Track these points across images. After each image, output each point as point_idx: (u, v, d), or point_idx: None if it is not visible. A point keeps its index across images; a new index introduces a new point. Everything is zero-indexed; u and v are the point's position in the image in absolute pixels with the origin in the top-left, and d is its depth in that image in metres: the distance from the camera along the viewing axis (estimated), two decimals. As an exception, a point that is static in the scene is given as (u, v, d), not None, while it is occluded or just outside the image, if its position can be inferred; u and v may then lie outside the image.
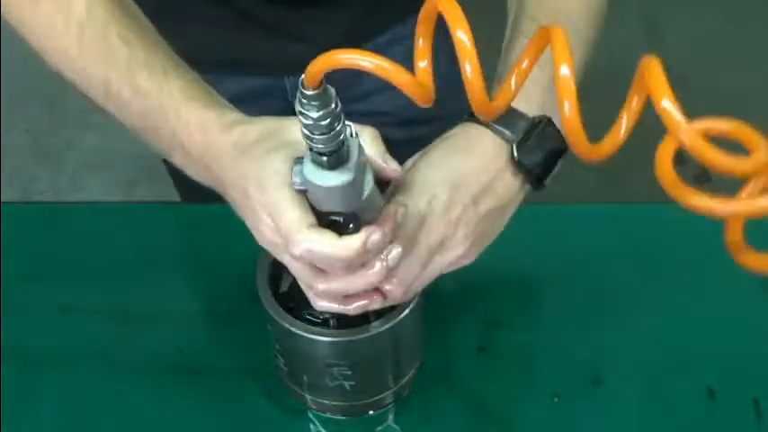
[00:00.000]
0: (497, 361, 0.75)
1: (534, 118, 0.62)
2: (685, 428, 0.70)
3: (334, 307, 0.59)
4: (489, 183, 0.62)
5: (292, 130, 0.55)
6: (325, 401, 0.70)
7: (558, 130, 0.63)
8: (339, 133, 0.48)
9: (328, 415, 0.71)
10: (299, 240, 0.53)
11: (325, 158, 0.49)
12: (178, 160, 0.62)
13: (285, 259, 0.58)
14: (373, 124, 0.58)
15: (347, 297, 0.59)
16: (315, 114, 0.46)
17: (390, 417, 0.71)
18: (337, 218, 0.53)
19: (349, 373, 0.66)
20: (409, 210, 0.58)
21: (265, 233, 0.57)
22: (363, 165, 0.53)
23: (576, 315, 0.78)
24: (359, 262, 0.55)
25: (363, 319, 0.64)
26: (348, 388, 0.68)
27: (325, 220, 0.54)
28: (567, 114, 0.35)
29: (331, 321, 0.64)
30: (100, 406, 0.73)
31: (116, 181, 1.97)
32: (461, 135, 0.63)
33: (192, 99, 0.60)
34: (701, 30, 2.24)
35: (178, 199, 1.03)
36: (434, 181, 0.60)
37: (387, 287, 0.59)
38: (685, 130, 0.31)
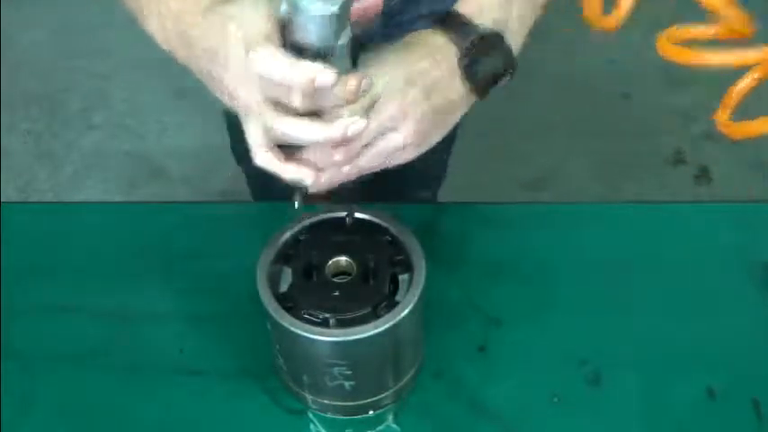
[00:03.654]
0: (497, 361, 0.75)
1: (485, 30, 0.66)
2: (685, 428, 0.70)
3: (275, 163, 0.61)
4: (440, 79, 0.65)
5: None
6: (326, 401, 0.70)
7: (508, 47, 0.66)
8: None
9: (328, 415, 0.71)
10: (261, 50, 0.55)
11: None
12: (153, 29, 0.66)
13: (251, 100, 0.59)
14: None
15: (288, 158, 0.61)
16: None
17: (390, 417, 0.71)
18: (306, 53, 0.56)
19: (349, 373, 0.66)
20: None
21: (236, 69, 0.58)
22: (347, 14, 0.56)
23: (575, 315, 0.78)
24: (308, 100, 0.56)
25: (364, 318, 0.64)
26: (348, 388, 0.68)
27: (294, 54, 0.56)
28: None
29: (331, 321, 0.65)
30: (100, 406, 0.72)
31: (116, 181, 1.97)
32: (417, 35, 0.67)
33: None
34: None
35: (178, 199, 1.03)
36: (390, 69, 0.63)
37: (335, 154, 0.61)
38: None
